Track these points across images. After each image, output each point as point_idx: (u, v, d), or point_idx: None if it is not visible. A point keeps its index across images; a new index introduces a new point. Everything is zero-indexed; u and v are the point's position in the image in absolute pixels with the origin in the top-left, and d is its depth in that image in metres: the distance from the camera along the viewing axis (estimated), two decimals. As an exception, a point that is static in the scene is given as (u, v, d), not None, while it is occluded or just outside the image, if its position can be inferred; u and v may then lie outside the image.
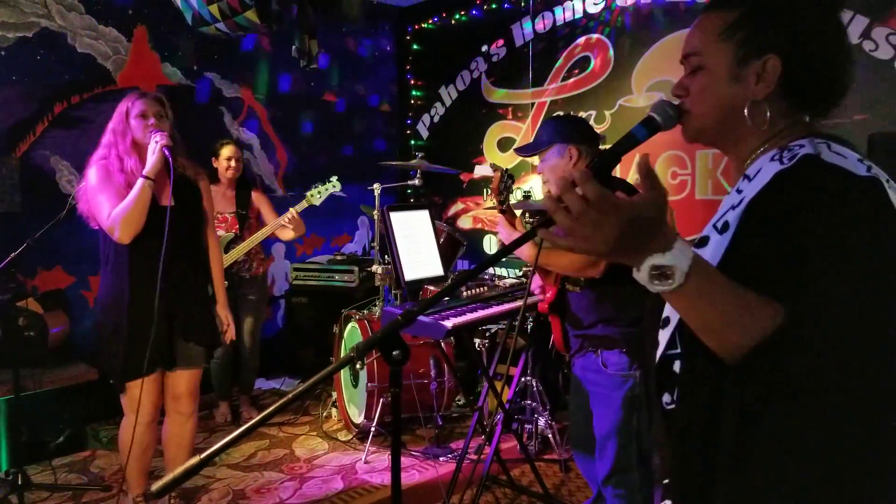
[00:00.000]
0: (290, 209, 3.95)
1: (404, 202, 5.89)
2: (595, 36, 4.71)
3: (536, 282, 2.53)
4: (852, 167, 0.90)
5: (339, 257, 5.23)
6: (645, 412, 2.21)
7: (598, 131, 2.49)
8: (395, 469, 1.12)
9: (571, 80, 4.87)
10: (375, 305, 4.10)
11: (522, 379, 3.70)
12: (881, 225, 0.88)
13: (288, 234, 4.07)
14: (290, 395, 1.02)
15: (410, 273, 2.95)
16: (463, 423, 4.15)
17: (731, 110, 1.04)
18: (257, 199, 4.27)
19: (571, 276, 2.28)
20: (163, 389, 2.78)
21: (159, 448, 2.92)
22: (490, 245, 5.55)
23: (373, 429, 3.70)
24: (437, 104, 5.88)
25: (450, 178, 5.43)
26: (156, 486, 0.94)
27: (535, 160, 2.76)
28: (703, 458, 0.96)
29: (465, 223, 5.71)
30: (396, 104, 6.22)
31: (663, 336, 1.02)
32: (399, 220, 3.01)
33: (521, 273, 4.19)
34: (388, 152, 6.05)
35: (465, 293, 3.12)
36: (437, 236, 3.22)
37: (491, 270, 4.64)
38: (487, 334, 3.97)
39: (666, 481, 1.06)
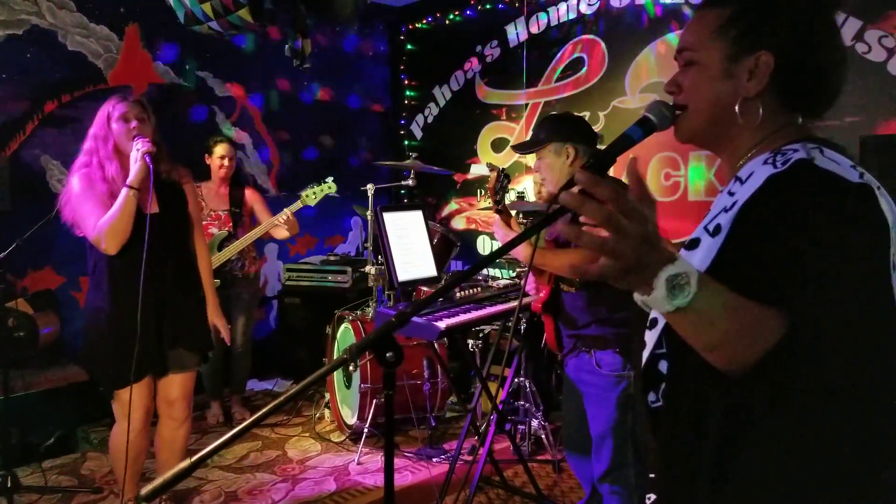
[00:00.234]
0: (285, 209, 3.94)
1: (398, 203, 5.88)
2: (589, 37, 4.71)
3: (530, 282, 2.53)
4: (845, 173, 0.90)
5: (332, 258, 5.21)
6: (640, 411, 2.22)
7: (595, 130, 2.49)
8: (389, 472, 1.11)
9: (565, 80, 4.87)
10: (369, 306, 4.08)
11: (515, 380, 3.69)
12: (871, 232, 0.88)
13: (282, 234, 4.06)
14: (282, 398, 1.00)
15: (404, 274, 2.94)
16: (456, 423, 4.14)
17: (723, 107, 1.03)
18: (251, 197, 4.26)
19: (568, 276, 2.27)
20: (155, 394, 2.75)
21: (151, 450, 2.90)
22: (484, 245, 5.55)
23: (366, 430, 3.69)
24: (431, 104, 5.87)
25: (443, 178, 5.42)
26: (146, 489, 0.93)
27: (530, 160, 2.75)
28: (688, 456, 0.97)
29: (458, 224, 5.70)
30: (390, 104, 6.20)
31: (650, 337, 1.02)
32: (392, 220, 3.00)
33: (514, 274, 4.18)
34: (381, 152, 6.04)
35: (458, 294, 3.11)
36: (431, 237, 3.21)
37: (485, 271, 4.63)
38: (481, 335, 3.97)
39: (652, 476, 1.06)
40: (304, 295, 4.88)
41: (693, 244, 0.99)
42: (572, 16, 4.79)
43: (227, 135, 4.92)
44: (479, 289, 3.30)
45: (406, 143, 6.06)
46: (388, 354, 1.05)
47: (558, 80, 4.92)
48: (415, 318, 2.66)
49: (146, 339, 2.55)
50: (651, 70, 4.37)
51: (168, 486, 0.95)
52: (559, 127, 2.37)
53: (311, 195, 4.05)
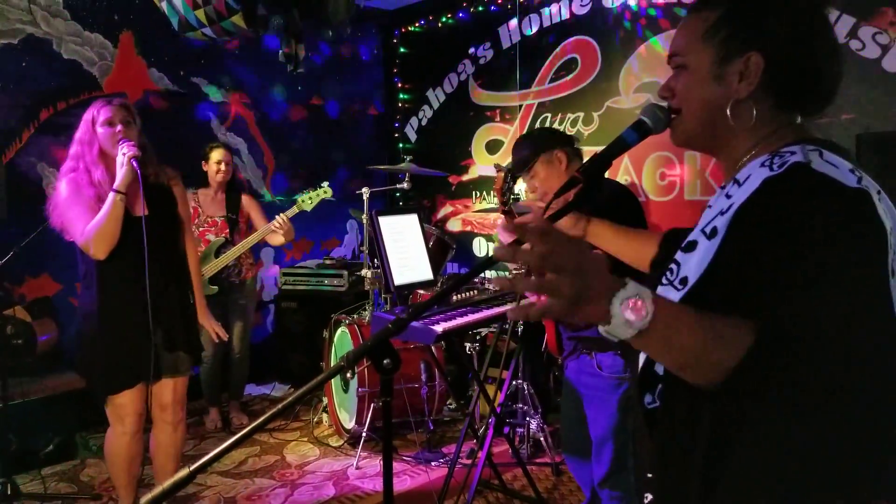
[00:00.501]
0: (281, 214, 3.94)
1: (393, 206, 5.88)
2: (582, 38, 4.72)
3: None
4: (841, 178, 0.90)
5: (328, 261, 5.21)
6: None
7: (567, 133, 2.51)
8: (388, 479, 1.11)
9: (559, 81, 4.88)
10: (365, 310, 4.09)
11: (513, 382, 3.70)
12: (866, 237, 0.88)
13: (278, 239, 4.07)
14: (281, 406, 1.01)
15: (400, 277, 2.94)
16: (454, 427, 4.14)
17: (716, 110, 1.03)
18: (247, 203, 4.26)
19: None
20: (148, 399, 2.75)
21: (148, 455, 2.90)
22: (480, 247, 5.55)
23: (364, 434, 3.69)
24: (425, 107, 5.88)
25: (438, 180, 5.43)
26: (145, 499, 0.93)
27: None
28: (683, 456, 0.97)
29: (454, 226, 5.71)
30: (384, 107, 6.21)
31: None
32: (388, 224, 3.00)
33: (511, 276, 4.19)
34: (376, 156, 6.04)
35: (454, 297, 3.11)
36: (427, 240, 3.21)
37: (481, 273, 4.63)
38: (478, 338, 3.97)
39: (649, 475, 1.07)
40: (301, 299, 4.88)
41: (690, 247, 0.98)
42: (565, 16, 4.80)
43: (221, 140, 4.92)
44: (475, 291, 3.30)
45: (400, 146, 6.07)
46: (385, 361, 1.05)
47: (552, 80, 4.93)
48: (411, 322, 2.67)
49: (140, 344, 2.55)
50: (644, 70, 4.38)
51: (168, 495, 0.95)
52: (539, 139, 2.42)
53: (307, 200, 4.06)
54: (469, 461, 3.19)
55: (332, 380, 4.03)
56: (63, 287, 4.19)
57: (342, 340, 3.99)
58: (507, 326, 3.33)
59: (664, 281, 1.00)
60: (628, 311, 0.81)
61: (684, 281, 0.96)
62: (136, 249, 2.49)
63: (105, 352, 2.59)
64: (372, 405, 3.69)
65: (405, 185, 4.36)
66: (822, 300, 0.85)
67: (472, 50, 5.44)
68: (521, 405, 3.74)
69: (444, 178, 5.44)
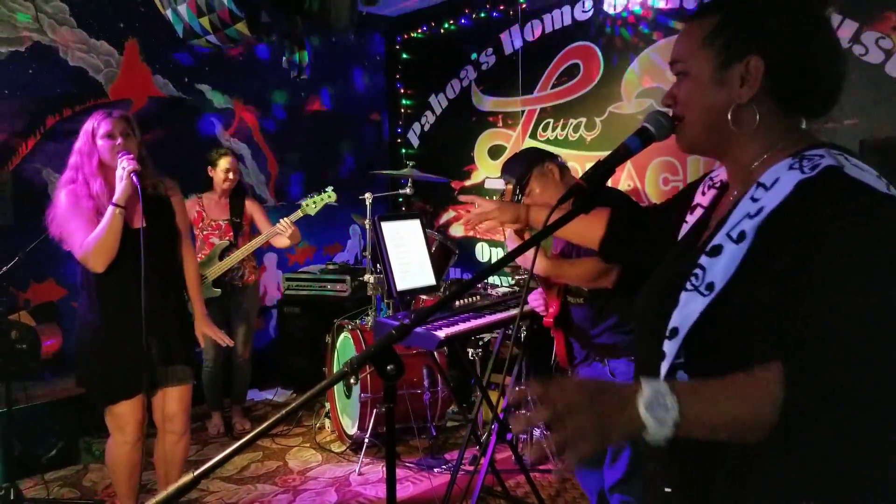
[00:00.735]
0: (285, 218, 3.96)
1: (396, 211, 5.89)
2: (584, 43, 4.73)
3: (537, 297, 2.52)
4: (874, 183, 0.90)
5: (330, 266, 5.22)
6: None
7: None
8: (391, 486, 1.11)
9: (561, 87, 4.89)
10: (368, 315, 4.09)
11: (517, 388, 3.69)
12: None
13: (283, 242, 4.08)
14: (284, 412, 1.01)
15: (402, 283, 2.94)
16: (457, 433, 4.14)
17: (718, 115, 1.03)
18: (251, 207, 4.28)
19: (585, 286, 2.26)
20: (150, 407, 2.75)
21: (151, 461, 2.90)
22: (482, 253, 5.56)
23: (367, 440, 3.69)
24: (428, 113, 5.90)
25: (441, 186, 5.43)
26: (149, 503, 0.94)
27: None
28: (705, 469, 0.96)
29: (456, 231, 5.71)
30: (387, 113, 6.22)
31: (671, 347, 0.98)
32: (390, 229, 3.01)
33: (513, 282, 4.19)
34: (378, 161, 6.05)
35: (457, 302, 3.12)
36: (429, 245, 3.22)
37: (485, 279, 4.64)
38: (480, 343, 3.97)
39: (668, 490, 1.04)
40: (304, 304, 4.89)
41: (715, 251, 0.96)
42: (567, 22, 4.81)
43: (227, 146, 4.94)
44: (478, 297, 3.31)
45: (403, 151, 6.08)
46: (388, 367, 1.05)
47: (554, 86, 4.94)
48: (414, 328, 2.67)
49: (138, 354, 2.54)
50: (646, 75, 4.39)
51: (171, 500, 0.95)
52: (528, 156, 2.46)
53: (311, 204, 4.07)
54: (472, 468, 3.19)
55: (335, 385, 4.03)
56: (68, 292, 4.20)
57: (345, 346, 3.99)
58: (511, 332, 3.33)
59: (688, 287, 0.97)
60: (657, 410, 0.83)
61: (710, 287, 0.94)
62: (134, 261, 2.50)
63: (103, 362, 2.59)
64: (374, 411, 3.69)
65: (408, 190, 4.37)
66: (863, 307, 0.84)
67: (474, 56, 5.46)
68: (524, 411, 3.73)
69: (447, 183, 5.45)
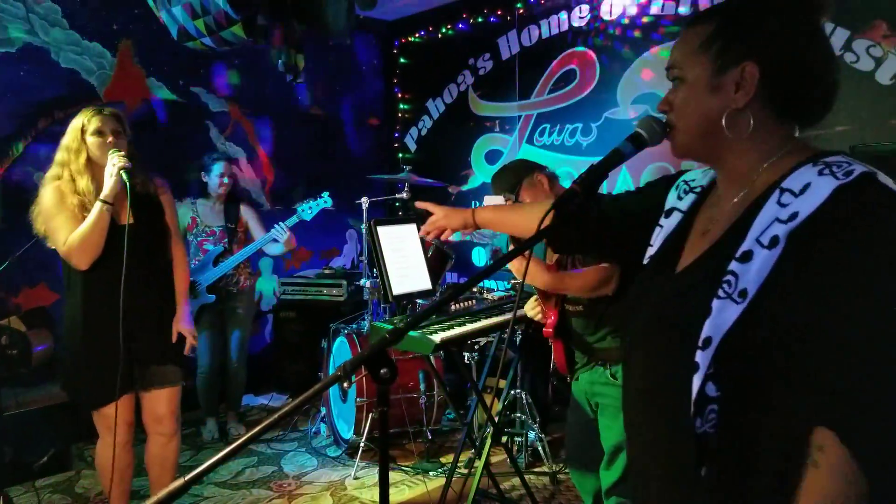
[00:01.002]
0: (282, 224, 3.96)
1: (392, 215, 5.88)
2: (580, 49, 4.74)
3: (533, 307, 2.51)
4: None
5: (327, 271, 5.21)
6: None
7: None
8: (384, 489, 1.10)
9: (557, 92, 4.90)
10: (364, 319, 4.08)
11: (512, 392, 3.69)
12: None
13: (277, 248, 4.07)
14: (276, 415, 1.00)
15: (398, 287, 2.93)
16: (453, 436, 4.13)
17: (713, 121, 1.03)
18: (245, 212, 4.26)
19: (586, 296, 2.26)
20: (138, 409, 2.73)
21: (142, 466, 2.88)
22: (479, 258, 5.55)
23: (362, 444, 3.67)
24: (425, 117, 5.90)
25: (438, 190, 5.43)
26: (139, 510, 0.92)
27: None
28: (740, 483, 0.95)
29: (453, 236, 5.69)
30: (384, 117, 6.23)
31: (704, 357, 0.95)
32: (386, 233, 3.00)
33: (509, 286, 4.19)
34: (375, 165, 6.05)
35: (453, 307, 3.11)
36: (425, 250, 3.21)
37: (480, 284, 4.63)
38: (476, 347, 3.96)
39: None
40: (300, 309, 4.87)
41: (745, 257, 0.94)
42: (564, 28, 4.82)
43: (221, 150, 4.93)
44: (474, 301, 3.30)
45: (400, 155, 6.08)
46: (382, 371, 1.05)
47: (551, 91, 4.95)
48: (410, 332, 2.66)
49: (120, 355, 2.52)
50: (642, 81, 4.40)
51: (162, 506, 0.94)
52: (518, 167, 2.46)
53: (307, 209, 4.09)
54: (467, 471, 3.18)
55: (331, 390, 4.02)
56: (60, 297, 4.17)
57: (341, 350, 3.97)
58: (506, 336, 3.33)
59: (721, 294, 0.95)
60: None
61: (744, 293, 0.93)
62: (120, 259, 2.47)
63: (87, 363, 2.56)
64: (370, 415, 3.68)
65: (405, 194, 4.37)
66: None
67: (471, 61, 5.47)
68: (519, 415, 3.73)
69: (444, 188, 5.45)
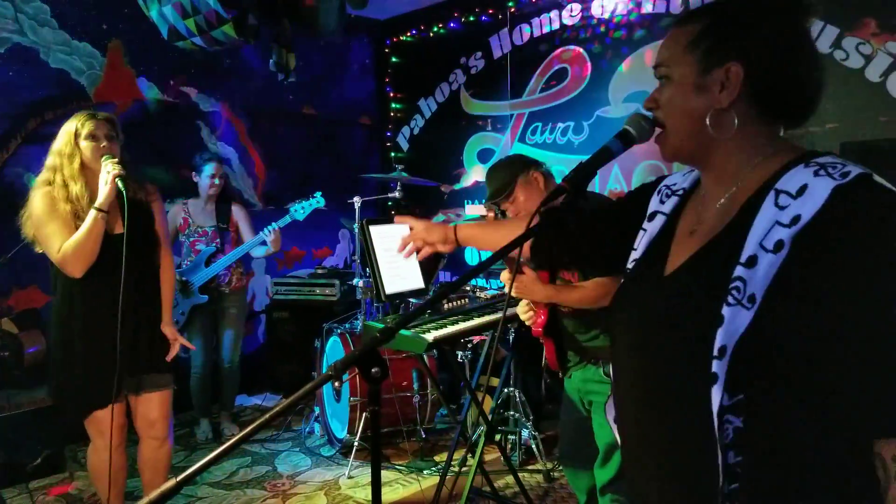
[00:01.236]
0: (269, 228, 3.95)
1: (385, 215, 5.88)
2: (572, 48, 4.75)
3: (522, 307, 2.51)
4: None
5: (319, 271, 5.21)
6: None
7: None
8: (376, 488, 1.11)
9: (549, 91, 4.91)
10: (357, 319, 4.08)
11: (505, 390, 3.70)
12: None
13: (262, 251, 4.07)
14: (268, 415, 1.00)
15: (391, 286, 2.93)
16: (447, 435, 4.13)
17: (698, 120, 1.04)
18: (237, 213, 4.25)
19: (588, 307, 2.25)
20: (129, 412, 2.72)
21: (136, 468, 2.87)
22: (472, 256, 5.56)
23: (356, 443, 3.68)
24: (417, 116, 5.90)
25: (430, 190, 5.44)
26: (132, 510, 0.92)
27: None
28: (769, 488, 0.95)
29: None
30: (376, 117, 6.22)
31: (721, 367, 0.94)
32: (379, 233, 3.00)
33: (502, 284, 4.19)
34: (368, 165, 6.05)
35: (446, 305, 3.11)
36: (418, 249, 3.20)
37: (473, 282, 4.64)
38: (469, 346, 3.97)
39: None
40: (293, 309, 4.87)
41: (751, 262, 0.94)
42: (555, 27, 4.83)
43: (212, 150, 4.91)
44: (466, 300, 3.31)
45: (392, 155, 6.08)
46: (373, 370, 1.05)
47: (542, 90, 4.96)
48: (402, 331, 2.66)
49: (114, 361, 2.50)
50: (633, 79, 4.41)
51: (155, 507, 0.94)
52: (513, 164, 2.43)
53: (300, 209, 4.10)
54: (460, 469, 3.18)
55: (324, 389, 4.01)
56: (51, 299, 4.15)
57: (334, 350, 3.97)
58: (498, 334, 3.34)
59: (731, 301, 0.94)
60: None
61: (752, 299, 0.92)
62: (111, 268, 2.45)
63: (81, 370, 2.54)
64: (364, 414, 3.68)
65: (397, 194, 4.37)
66: None
67: (463, 60, 5.47)
68: (512, 413, 3.74)
69: (437, 187, 5.45)
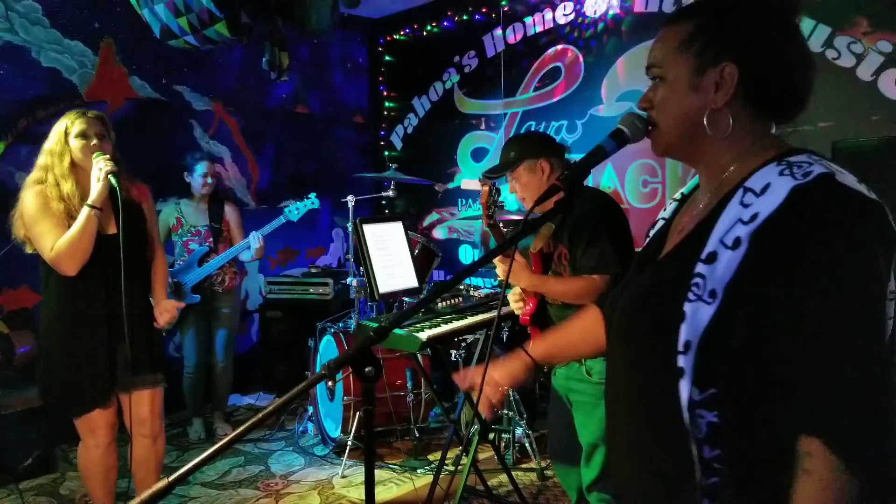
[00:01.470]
0: (256, 233, 3.95)
1: (379, 214, 5.87)
2: (565, 47, 4.76)
3: (512, 294, 2.52)
4: (862, 189, 0.92)
5: (313, 270, 5.20)
6: None
7: (561, 142, 2.51)
8: (369, 487, 1.11)
9: (543, 90, 4.91)
10: (351, 318, 4.07)
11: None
12: (893, 245, 0.91)
13: (249, 256, 4.07)
14: (261, 414, 1.00)
15: (385, 285, 2.94)
16: (440, 434, 4.13)
17: (693, 120, 1.05)
18: (229, 213, 4.24)
19: (572, 302, 2.26)
20: (120, 409, 2.71)
21: (129, 469, 2.86)
22: (466, 255, 5.56)
23: (349, 443, 3.67)
24: (411, 115, 5.89)
25: (424, 188, 5.43)
26: (124, 511, 0.92)
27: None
28: (741, 483, 0.95)
29: (439, 234, 5.71)
30: (370, 116, 6.21)
31: (688, 361, 0.95)
32: (372, 232, 3.00)
33: (496, 283, 4.20)
34: (361, 164, 6.04)
35: (440, 304, 3.11)
36: (412, 248, 3.21)
37: (467, 281, 4.64)
38: (463, 345, 3.97)
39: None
40: (286, 308, 4.86)
41: (711, 258, 0.95)
42: (548, 26, 4.83)
43: (205, 149, 4.90)
44: (460, 299, 3.31)
45: (386, 153, 6.07)
46: (367, 369, 1.05)
47: (536, 89, 4.96)
48: (396, 330, 2.66)
49: (106, 361, 2.50)
50: (626, 79, 4.42)
51: (147, 507, 0.94)
52: (528, 144, 2.39)
53: (294, 210, 4.10)
54: (454, 468, 3.18)
55: (318, 389, 4.01)
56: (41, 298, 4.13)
57: (328, 349, 3.97)
58: (492, 333, 3.34)
59: (691, 297, 0.95)
60: None
61: (713, 294, 0.94)
62: (102, 267, 2.44)
63: (71, 372, 2.52)
64: (358, 413, 3.68)
65: (391, 192, 4.36)
66: (864, 311, 0.87)
67: (456, 58, 5.47)
68: (506, 411, 3.74)
69: (430, 186, 5.45)
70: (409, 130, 5.94)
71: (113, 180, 2.42)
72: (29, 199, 2.47)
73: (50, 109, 4.16)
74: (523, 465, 3.64)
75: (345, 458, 3.65)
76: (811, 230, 0.88)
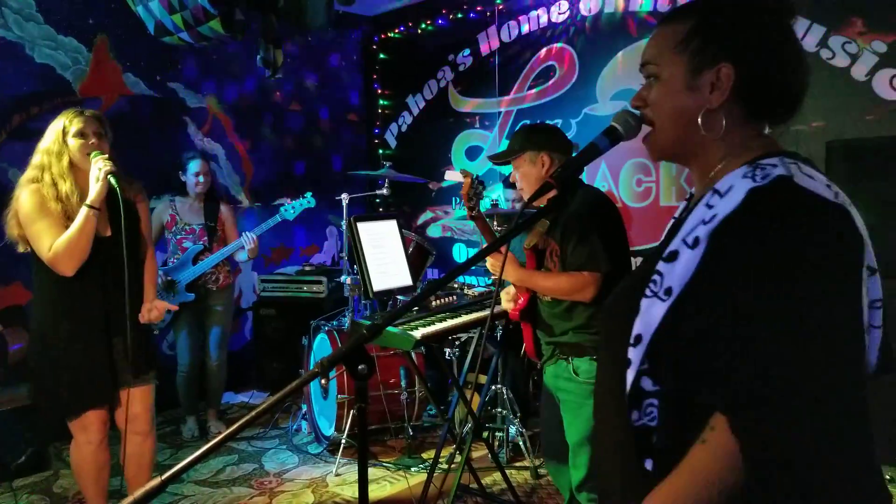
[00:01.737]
0: (248, 233, 3.94)
1: (373, 212, 5.87)
2: (560, 45, 4.76)
3: (505, 289, 2.53)
4: (823, 192, 0.92)
5: (307, 268, 5.19)
6: None
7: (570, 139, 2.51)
8: (363, 485, 1.11)
9: (537, 88, 4.92)
10: (345, 316, 4.07)
11: (493, 387, 3.70)
12: (849, 251, 0.91)
13: (243, 256, 4.06)
14: (254, 412, 1.00)
15: (379, 283, 2.93)
16: (434, 432, 4.14)
17: (688, 120, 1.05)
18: (224, 212, 4.24)
19: (560, 298, 2.27)
20: (113, 410, 2.70)
21: (121, 466, 2.85)
22: (460, 254, 5.56)
23: (343, 441, 3.67)
24: (405, 113, 5.89)
25: (418, 187, 5.43)
26: (116, 509, 0.92)
27: (505, 169, 2.74)
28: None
29: (434, 232, 5.71)
30: (364, 114, 6.20)
31: (636, 354, 0.98)
32: (367, 230, 3.00)
33: (490, 281, 4.20)
34: (355, 162, 6.03)
35: (434, 303, 3.11)
36: (406, 246, 3.21)
37: (460, 279, 4.64)
38: (457, 343, 3.97)
39: None
40: (280, 306, 4.85)
41: (671, 256, 0.98)
42: (543, 24, 4.83)
43: (199, 146, 4.88)
44: (454, 297, 3.31)
45: (380, 151, 6.07)
46: (359, 367, 1.05)
47: (530, 87, 4.96)
48: (390, 328, 2.66)
49: (101, 361, 2.49)
50: (621, 77, 4.43)
51: (140, 504, 0.94)
52: (533, 136, 2.39)
53: (290, 209, 4.11)
54: (448, 466, 3.18)
55: (312, 387, 4.01)
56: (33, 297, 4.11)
57: (322, 347, 3.96)
58: (486, 332, 3.35)
59: (648, 293, 0.98)
60: None
61: (669, 291, 0.96)
62: (98, 268, 2.43)
63: (68, 373, 2.50)
64: (352, 412, 3.67)
65: (385, 191, 4.36)
66: (810, 314, 0.86)
67: (451, 57, 5.46)
68: (500, 410, 3.74)
69: (424, 184, 5.45)
70: (404, 128, 5.93)
71: (113, 181, 2.40)
72: (25, 198, 2.44)
73: (44, 106, 4.15)
74: (517, 464, 3.64)
75: (339, 457, 3.65)
76: (764, 231, 0.89)
